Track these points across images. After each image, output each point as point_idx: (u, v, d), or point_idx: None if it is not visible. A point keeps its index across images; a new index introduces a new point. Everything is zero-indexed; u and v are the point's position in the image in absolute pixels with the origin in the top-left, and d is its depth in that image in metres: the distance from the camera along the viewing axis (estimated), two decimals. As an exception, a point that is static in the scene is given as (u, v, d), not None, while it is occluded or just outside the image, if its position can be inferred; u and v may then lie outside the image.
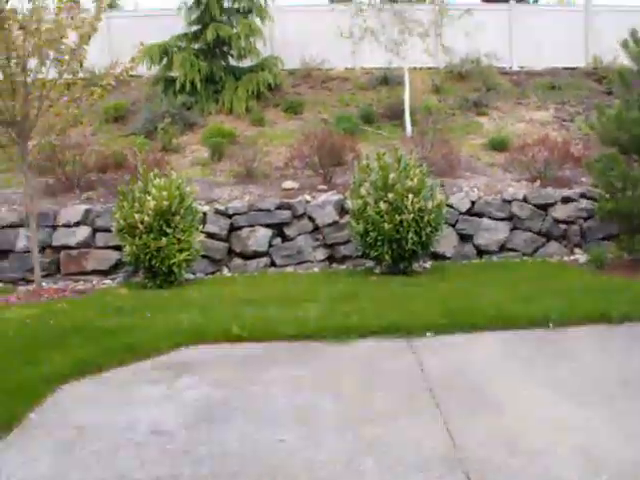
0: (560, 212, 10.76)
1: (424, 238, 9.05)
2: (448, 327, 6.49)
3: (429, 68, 16.31)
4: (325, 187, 11.16)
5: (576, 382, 5.10)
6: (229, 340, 6.42)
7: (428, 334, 6.40)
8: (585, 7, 17.83)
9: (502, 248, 10.64)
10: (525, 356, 5.77)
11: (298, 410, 4.70)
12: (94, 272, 10.27)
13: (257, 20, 15.53)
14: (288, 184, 11.30)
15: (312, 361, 5.80)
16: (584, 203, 10.78)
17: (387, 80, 15.94)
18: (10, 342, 6.40)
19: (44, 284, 9.67)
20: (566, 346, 6.02)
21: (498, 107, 15.37)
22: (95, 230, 10.37)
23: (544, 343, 6.13)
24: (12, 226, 10.41)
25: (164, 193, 8.92)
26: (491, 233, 10.59)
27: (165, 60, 15.13)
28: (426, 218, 8.95)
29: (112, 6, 20.04)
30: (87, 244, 10.31)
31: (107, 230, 10.01)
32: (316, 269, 10.31)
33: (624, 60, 14.30)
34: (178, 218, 9.04)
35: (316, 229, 10.54)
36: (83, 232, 10.32)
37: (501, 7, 17.90)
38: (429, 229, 9.05)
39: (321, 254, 10.52)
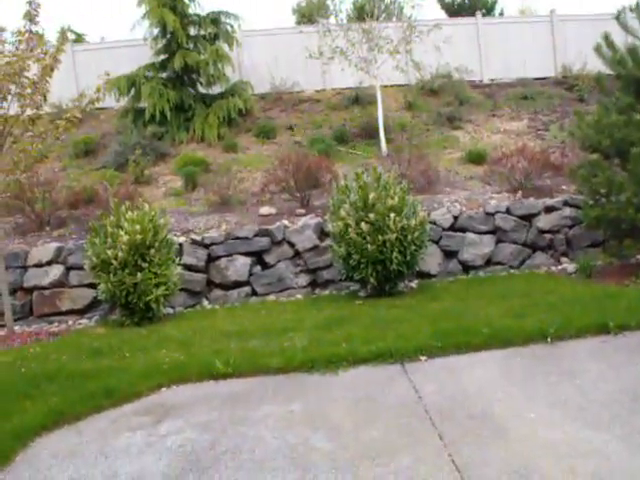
0: (544, 222, 10.56)
1: (409, 257, 8.78)
2: (442, 349, 6.20)
3: (400, 85, 16.21)
4: (303, 211, 10.88)
5: (582, 400, 4.82)
6: (213, 377, 6.08)
7: (422, 358, 6.10)
8: (550, 18, 17.92)
9: (488, 262, 10.41)
10: (525, 375, 5.49)
11: (291, 451, 4.37)
12: (69, 312, 9.86)
13: (225, 46, 15.31)
14: (265, 210, 11.00)
15: (302, 395, 5.47)
16: (568, 211, 10.60)
17: (359, 99, 15.79)
18: (-22, 394, 6.01)
19: (16, 328, 9.29)
20: (567, 362, 5.75)
21: (472, 120, 15.27)
22: (68, 268, 9.98)
23: (543, 360, 5.86)
24: (-20, 269, 10.00)
25: (137, 227, 8.57)
26: (476, 248, 10.35)
27: (133, 91, 14.85)
28: (410, 237, 8.69)
29: (78, 41, 19.87)
30: (61, 283, 9.92)
31: (81, 268, 9.61)
32: (299, 296, 9.98)
33: (593, 67, 14.39)
34: (153, 251, 8.69)
35: (297, 255, 10.23)
36: (56, 271, 9.93)
37: (468, 21, 18.00)
38: (413, 248, 8.79)
39: (303, 280, 10.21)
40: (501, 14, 24.62)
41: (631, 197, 8.75)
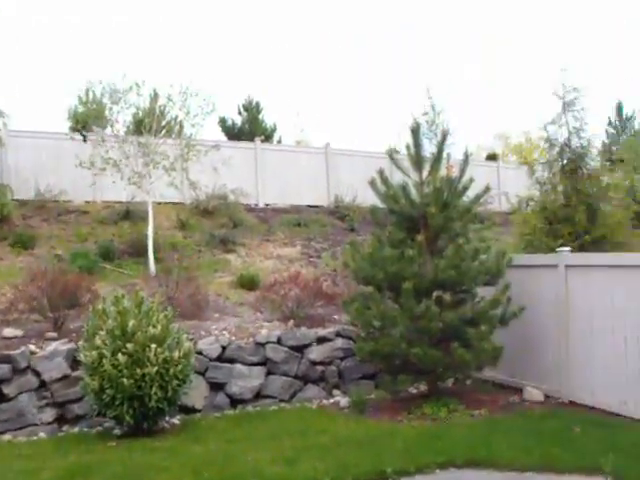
0: (316, 353, 10.24)
1: (170, 393, 7.90)
2: (201, 509, 5.34)
3: (175, 203, 15.71)
4: (55, 334, 9.57)
5: None
6: None
7: (177, 523, 5.18)
8: (325, 150, 18.77)
9: (258, 396, 9.75)
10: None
11: None
12: None
13: (-16, 145, 13.89)
14: (9, 332, 9.53)
15: None
16: (340, 342, 10.40)
17: (130, 214, 14.96)
18: None
19: None
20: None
21: (245, 244, 15.03)
22: None
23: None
24: None
25: None
26: (245, 380, 9.68)
27: None
28: (172, 370, 7.84)
29: None
30: None
31: None
32: (42, 434, 8.53)
33: (362, 199, 15.12)
34: None
35: (43, 385, 8.83)
36: None
37: (247, 145, 18.41)
38: (176, 382, 7.94)
39: (49, 415, 8.77)
40: (279, 142, 25.51)
41: (404, 331, 8.72)
